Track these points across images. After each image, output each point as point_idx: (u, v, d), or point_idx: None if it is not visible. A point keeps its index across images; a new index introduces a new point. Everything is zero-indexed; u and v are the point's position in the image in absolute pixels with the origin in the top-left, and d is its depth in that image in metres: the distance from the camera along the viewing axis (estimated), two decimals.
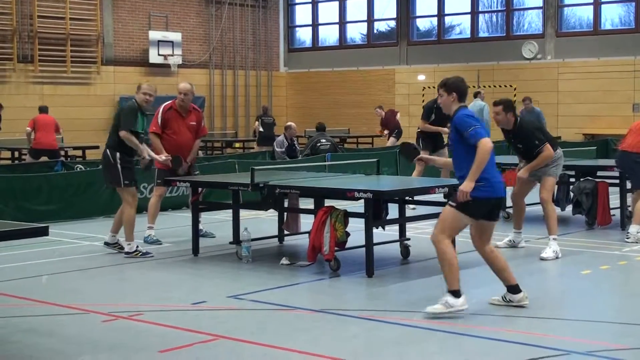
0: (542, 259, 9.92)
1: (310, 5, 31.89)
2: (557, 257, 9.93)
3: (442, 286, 7.50)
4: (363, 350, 6.46)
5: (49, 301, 8.00)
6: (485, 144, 7.17)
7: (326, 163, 16.42)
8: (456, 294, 7.36)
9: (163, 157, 10.98)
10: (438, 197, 10.06)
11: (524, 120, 10.39)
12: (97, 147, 20.34)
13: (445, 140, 14.90)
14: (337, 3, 31.17)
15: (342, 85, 30.29)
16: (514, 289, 7.61)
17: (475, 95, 22.20)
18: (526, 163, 10.38)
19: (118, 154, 10.32)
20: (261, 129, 23.55)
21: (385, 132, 23.97)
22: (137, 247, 10.43)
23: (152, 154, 10.76)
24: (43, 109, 20.18)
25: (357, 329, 7.01)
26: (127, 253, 10.38)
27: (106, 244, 10.73)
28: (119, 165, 10.32)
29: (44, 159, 18.33)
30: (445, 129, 14.85)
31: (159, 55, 27.55)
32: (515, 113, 10.15)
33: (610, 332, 6.99)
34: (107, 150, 10.42)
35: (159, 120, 11.37)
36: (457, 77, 7.71)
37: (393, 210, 9.95)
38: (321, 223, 9.11)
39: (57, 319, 7.46)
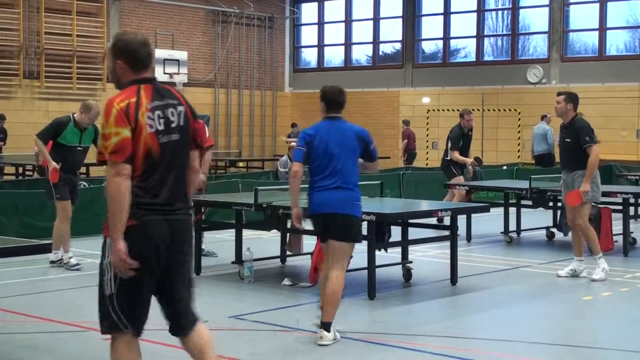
0: (593, 280, 10.03)
1: (316, 26, 32.02)
2: (606, 276, 10.07)
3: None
4: None
5: (51, 318, 8.00)
6: (292, 167, 7.41)
7: None
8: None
9: None
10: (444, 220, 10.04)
11: (582, 119, 10.37)
12: (101, 164, 20.31)
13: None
14: (342, 24, 31.29)
15: (347, 107, 30.13)
16: (325, 325, 7.17)
17: (542, 118, 22.31)
18: (567, 172, 10.28)
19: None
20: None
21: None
22: (62, 257, 10.78)
23: (49, 158, 10.59)
24: None
25: (357, 352, 6.99)
26: (51, 262, 10.70)
27: (52, 262, 10.83)
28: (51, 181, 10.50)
29: None
30: (469, 160, 14.76)
31: (164, 73, 27.62)
32: (576, 109, 10.19)
33: (615, 359, 6.97)
34: (45, 166, 10.66)
35: None
36: (334, 86, 7.71)
37: (395, 233, 9.95)
38: None
39: (58, 336, 7.45)
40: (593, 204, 10.87)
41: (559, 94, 10.40)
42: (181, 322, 4.92)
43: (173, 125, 4.72)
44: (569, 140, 10.18)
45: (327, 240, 7.32)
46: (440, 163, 15.34)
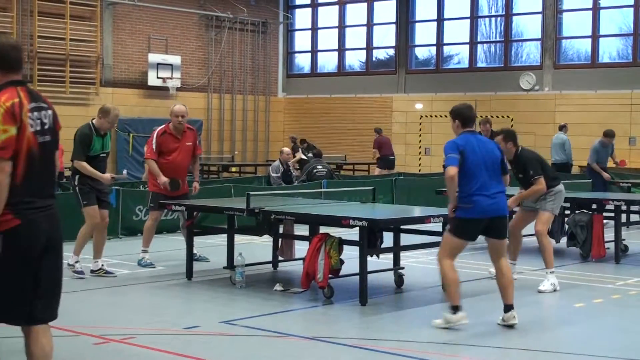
0: (540, 292, 9.89)
1: (309, 31, 32.04)
2: (555, 290, 9.90)
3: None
4: None
5: None
6: (447, 171, 7.86)
7: (322, 190, 16.42)
8: (453, 309, 7.90)
9: (163, 179, 11.09)
10: (436, 226, 10.05)
11: (525, 150, 10.36)
12: None
13: None
14: (336, 30, 31.32)
15: (340, 112, 30.37)
16: (509, 307, 8.14)
17: (560, 128, 22.21)
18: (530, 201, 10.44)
19: (77, 177, 10.45)
20: (303, 157, 23.66)
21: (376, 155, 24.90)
22: (77, 262, 10.58)
23: (100, 175, 10.52)
24: None
25: (349, 358, 6.99)
26: (68, 264, 10.44)
27: (92, 271, 10.73)
28: (77, 188, 10.42)
29: None
30: None
31: (157, 78, 27.62)
32: (516, 143, 10.14)
33: None
34: (71, 172, 10.65)
35: (154, 146, 11.35)
36: (463, 103, 8.42)
37: (388, 239, 9.95)
38: (316, 250, 9.11)
39: None
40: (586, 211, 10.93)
41: (496, 133, 10.48)
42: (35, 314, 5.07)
43: (46, 127, 5.00)
44: (521, 175, 10.27)
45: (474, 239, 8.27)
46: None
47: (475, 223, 8.03)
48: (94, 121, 10.53)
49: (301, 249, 10.53)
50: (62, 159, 19.56)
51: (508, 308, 8.12)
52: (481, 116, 26.71)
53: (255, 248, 12.54)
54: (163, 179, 11.18)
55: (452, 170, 7.87)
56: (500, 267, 8.22)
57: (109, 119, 10.47)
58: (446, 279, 8.05)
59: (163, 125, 11.58)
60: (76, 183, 10.44)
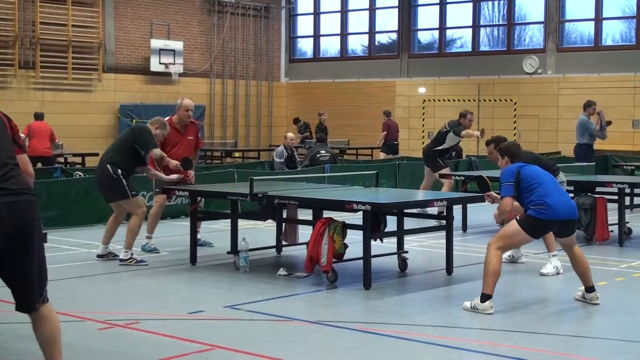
0: (542, 275, 9.91)
1: (312, 16, 31.97)
2: (557, 273, 9.92)
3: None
4: None
5: None
6: (502, 204, 8.22)
7: (325, 174, 16.41)
8: (484, 297, 7.97)
9: (174, 163, 11.09)
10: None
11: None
12: (96, 155, 20.17)
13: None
14: (338, 14, 31.24)
15: (343, 97, 30.33)
16: (591, 289, 8.44)
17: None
18: None
19: (119, 170, 10.38)
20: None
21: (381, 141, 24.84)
22: (132, 254, 10.46)
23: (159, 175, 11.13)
24: (39, 116, 19.90)
25: (353, 342, 7.00)
26: (121, 260, 10.41)
27: (99, 256, 10.73)
28: (122, 179, 10.37)
29: (38, 165, 18.20)
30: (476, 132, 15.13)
31: (160, 63, 27.57)
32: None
33: (608, 348, 6.98)
34: (109, 165, 10.43)
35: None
36: (510, 142, 8.99)
37: (391, 223, 9.95)
38: (319, 234, 9.12)
39: None
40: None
41: (487, 143, 9.98)
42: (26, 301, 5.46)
43: None
44: None
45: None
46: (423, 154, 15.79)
47: (547, 224, 8.27)
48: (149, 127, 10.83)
49: (305, 233, 10.55)
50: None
51: (591, 289, 8.40)
52: (483, 100, 26.84)
53: (258, 233, 12.55)
54: (174, 162, 11.16)
55: (507, 206, 8.24)
56: (573, 255, 8.44)
57: (165, 131, 11.00)
58: (489, 266, 8.04)
59: (167, 118, 11.59)
60: (120, 175, 10.40)
